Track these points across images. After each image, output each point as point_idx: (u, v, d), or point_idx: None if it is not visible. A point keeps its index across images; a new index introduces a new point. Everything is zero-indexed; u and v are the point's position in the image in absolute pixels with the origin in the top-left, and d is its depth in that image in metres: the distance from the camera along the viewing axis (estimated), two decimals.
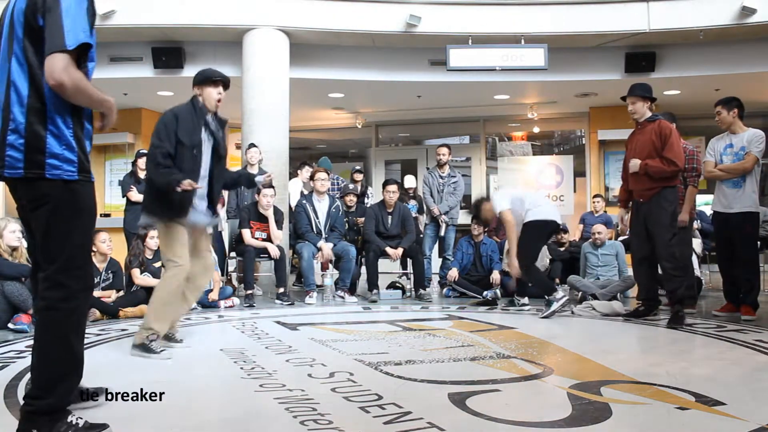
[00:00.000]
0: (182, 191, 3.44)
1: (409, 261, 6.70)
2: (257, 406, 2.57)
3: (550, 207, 5.54)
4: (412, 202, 7.51)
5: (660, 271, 4.93)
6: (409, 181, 7.98)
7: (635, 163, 4.69)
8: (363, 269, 6.60)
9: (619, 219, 5.27)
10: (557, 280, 6.81)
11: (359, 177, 7.92)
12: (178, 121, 3.58)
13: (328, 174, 7.06)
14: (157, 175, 3.56)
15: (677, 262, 4.66)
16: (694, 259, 6.07)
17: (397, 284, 6.89)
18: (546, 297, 5.11)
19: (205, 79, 3.67)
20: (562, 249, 7.23)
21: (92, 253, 5.26)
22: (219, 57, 7.73)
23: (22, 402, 2.15)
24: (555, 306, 4.98)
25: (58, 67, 1.97)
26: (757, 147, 4.68)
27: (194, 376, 3.17)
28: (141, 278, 5.35)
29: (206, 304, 5.59)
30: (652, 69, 7.78)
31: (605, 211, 8.38)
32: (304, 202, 6.49)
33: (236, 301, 5.90)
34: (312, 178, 6.72)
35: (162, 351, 3.49)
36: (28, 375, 3.01)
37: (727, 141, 4.85)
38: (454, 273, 6.44)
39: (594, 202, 8.39)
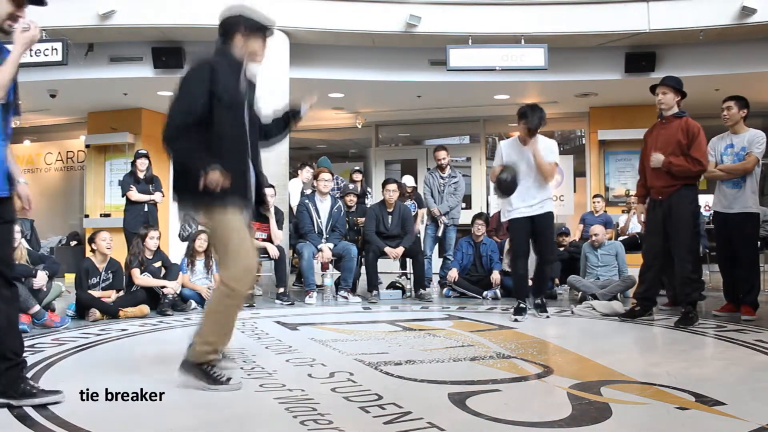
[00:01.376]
0: (208, 184, 2.60)
1: (409, 261, 6.70)
2: (257, 406, 2.57)
3: None
4: (409, 201, 7.50)
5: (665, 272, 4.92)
6: (408, 181, 7.97)
7: (658, 159, 4.52)
8: (363, 269, 6.61)
9: (638, 216, 5.21)
10: (557, 281, 6.82)
11: (359, 177, 7.92)
12: (214, 73, 2.73)
13: (332, 174, 7.07)
14: (178, 144, 2.70)
15: (697, 264, 4.64)
16: None
17: (397, 284, 6.90)
18: (542, 300, 5.09)
19: (259, 29, 2.90)
20: (561, 249, 7.23)
21: (92, 252, 5.30)
22: None
23: None
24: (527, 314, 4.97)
25: None
26: (758, 148, 4.67)
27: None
28: (141, 278, 5.36)
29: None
30: (652, 69, 7.78)
31: (605, 211, 8.38)
32: (307, 201, 6.49)
33: None
34: (316, 178, 6.72)
35: (230, 380, 2.76)
36: (29, 374, 3.02)
37: (728, 141, 4.83)
38: (454, 273, 6.45)
39: (594, 202, 8.38)
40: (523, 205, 4.91)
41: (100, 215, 9.67)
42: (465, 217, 7.90)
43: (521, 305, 4.93)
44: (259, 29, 2.91)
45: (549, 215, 5.00)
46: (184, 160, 2.74)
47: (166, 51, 7.63)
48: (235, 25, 2.88)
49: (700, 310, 5.23)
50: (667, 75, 4.82)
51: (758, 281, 4.90)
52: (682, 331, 4.30)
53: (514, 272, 5.13)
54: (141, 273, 5.39)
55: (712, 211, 5.24)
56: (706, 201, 8.24)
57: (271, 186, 6.24)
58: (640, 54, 7.83)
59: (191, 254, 5.83)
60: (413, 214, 7.16)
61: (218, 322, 2.80)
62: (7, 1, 2.41)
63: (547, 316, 4.98)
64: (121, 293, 5.33)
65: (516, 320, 4.76)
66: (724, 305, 5.02)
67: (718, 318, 4.83)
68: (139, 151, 6.97)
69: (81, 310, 5.03)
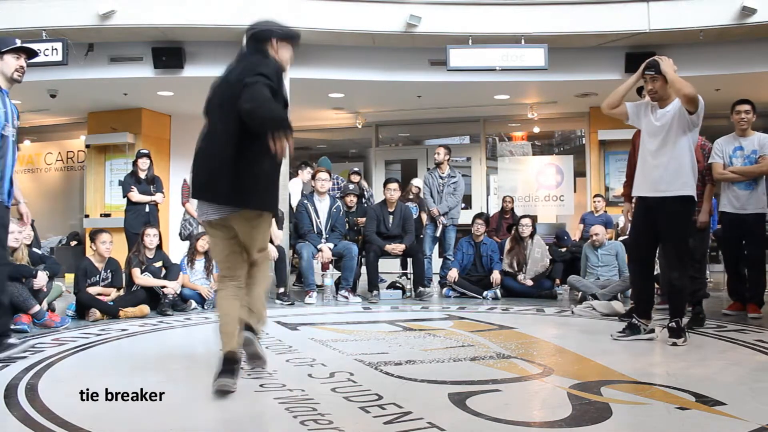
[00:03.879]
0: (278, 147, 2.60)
1: (409, 261, 6.70)
2: (257, 406, 2.57)
3: None
4: (412, 204, 7.49)
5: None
6: (415, 182, 7.96)
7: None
8: (363, 269, 6.62)
9: (625, 214, 5.18)
10: (558, 281, 6.83)
11: (356, 178, 7.91)
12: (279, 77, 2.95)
13: (330, 174, 7.05)
14: (270, 107, 2.67)
15: (698, 263, 4.64)
16: None
17: (397, 284, 6.90)
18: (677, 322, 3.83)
19: (291, 37, 3.15)
20: (563, 250, 7.24)
21: (92, 251, 5.31)
22: (219, 57, 7.70)
23: None
24: (641, 336, 3.93)
25: None
26: None
27: (194, 376, 3.17)
28: (141, 278, 5.36)
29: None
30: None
31: (605, 211, 8.38)
32: (306, 202, 6.49)
33: None
34: (313, 178, 6.72)
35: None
36: (29, 374, 3.02)
37: (736, 144, 4.84)
38: (454, 273, 6.45)
39: (594, 202, 8.39)
40: (645, 184, 3.91)
41: (100, 215, 9.67)
42: (465, 217, 7.90)
43: (634, 322, 3.96)
44: (291, 38, 3.14)
45: (680, 201, 3.78)
46: (272, 118, 2.65)
47: (166, 51, 7.63)
48: (270, 34, 3.07)
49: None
50: None
51: (764, 280, 4.96)
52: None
53: (631, 279, 4.20)
54: (141, 273, 5.39)
55: (719, 212, 5.17)
56: None
57: None
58: (640, 54, 7.79)
59: (192, 254, 5.83)
60: (414, 216, 7.18)
61: (265, 300, 3.21)
62: (12, 57, 3.53)
63: (674, 342, 3.73)
64: (121, 292, 5.33)
65: (618, 338, 3.92)
66: (732, 304, 5.06)
67: (728, 316, 4.87)
68: (141, 151, 6.96)
69: (81, 310, 5.03)
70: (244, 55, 3.04)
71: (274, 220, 6.07)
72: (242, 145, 2.74)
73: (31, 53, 3.66)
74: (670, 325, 3.83)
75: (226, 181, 2.74)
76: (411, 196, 7.51)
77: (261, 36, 3.07)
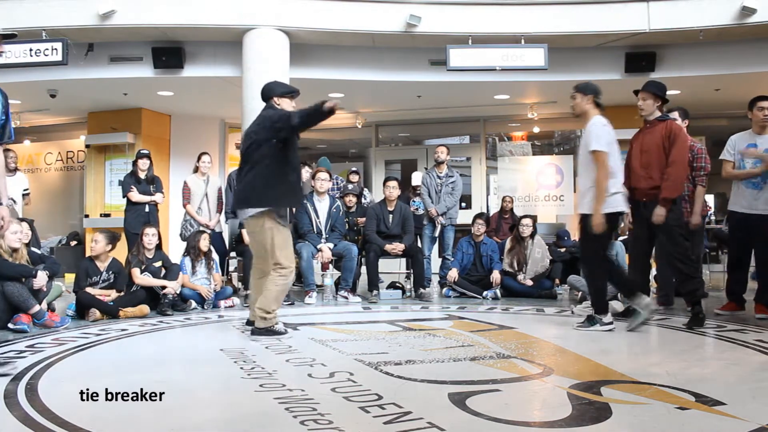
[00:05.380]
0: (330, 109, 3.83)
1: (410, 261, 6.70)
2: (257, 406, 2.56)
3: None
4: (418, 199, 7.48)
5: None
6: (417, 179, 7.95)
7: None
8: (363, 269, 6.61)
9: (624, 216, 5.18)
10: (557, 281, 6.82)
11: (355, 178, 7.91)
12: None
13: (330, 174, 7.05)
14: (305, 113, 3.91)
15: (693, 263, 4.63)
16: None
17: (397, 284, 6.90)
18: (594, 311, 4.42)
19: (289, 93, 4.26)
20: (562, 250, 7.23)
21: (98, 256, 5.30)
22: (219, 57, 7.73)
23: None
24: (599, 327, 4.34)
25: None
26: None
27: (194, 376, 3.17)
28: (141, 278, 5.36)
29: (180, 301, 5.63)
30: (652, 69, 7.78)
31: None
32: (305, 202, 6.49)
33: (236, 301, 5.92)
34: (313, 177, 6.72)
35: (285, 331, 4.10)
36: (29, 374, 3.02)
37: (750, 141, 4.82)
38: (454, 273, 6.45)
39: None
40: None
41: (100, 215, 9.68)
42: (465, 217, 7.89)
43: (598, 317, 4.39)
44: (290, 93, 4.28)
45: (585, 217, 4.29)
46: (318, 111, 3.85)
47: (166, 51, 7.63)
48: (275, 92, 4.25)
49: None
50: (649, 80, 4.81)
51: None
52: (682, 331, 4.30)
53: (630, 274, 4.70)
54: (141, 272, 5.39)
55: (728, 211, 5.15)
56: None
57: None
58: (640, 54, 7.83)
59: (196, 255, 5.81)
60: (422, 212, 7.18)
61: (276, 299, 4.14)
62: None
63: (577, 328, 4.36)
64: (122, 293, 5.32)
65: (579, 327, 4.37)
66: (726, 304, 5.03)
67: (720, 316, 4.83)
68: (141, 151, 6.95)
69: (81, 310, 5.03)
70: (264, 110, 4.25)
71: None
72: (255, 172, 4.06)
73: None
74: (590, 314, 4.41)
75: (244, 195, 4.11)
76: (418, 192, 7.48)
77: (267, 94, 4.25)
